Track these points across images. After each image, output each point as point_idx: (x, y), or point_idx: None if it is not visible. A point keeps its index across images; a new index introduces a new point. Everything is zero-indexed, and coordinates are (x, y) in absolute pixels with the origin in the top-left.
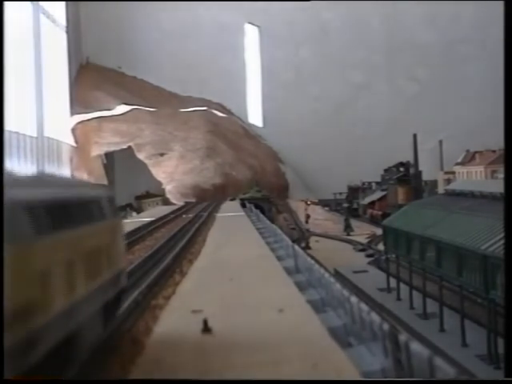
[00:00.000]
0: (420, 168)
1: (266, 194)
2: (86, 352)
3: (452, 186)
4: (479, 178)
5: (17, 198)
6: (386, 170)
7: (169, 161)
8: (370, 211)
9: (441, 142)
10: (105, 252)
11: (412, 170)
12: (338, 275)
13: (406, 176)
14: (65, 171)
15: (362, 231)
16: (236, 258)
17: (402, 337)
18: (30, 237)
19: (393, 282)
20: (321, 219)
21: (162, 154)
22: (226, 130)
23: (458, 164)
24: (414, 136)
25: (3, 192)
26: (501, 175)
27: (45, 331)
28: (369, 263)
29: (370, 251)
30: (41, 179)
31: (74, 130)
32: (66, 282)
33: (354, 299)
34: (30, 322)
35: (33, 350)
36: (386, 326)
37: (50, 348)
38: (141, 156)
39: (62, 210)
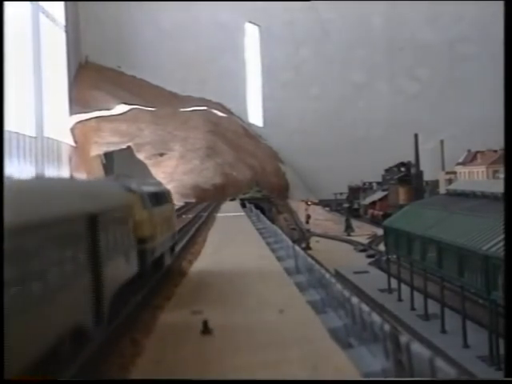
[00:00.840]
0: (421, 168)
1: (266, 194)
2: (166, 264)
3: (453, 186)
4: (481, 178)
5: (145, 191)
6: (386, 170)
7: (168, 161)
8: (370, 211)
9: (442, 141)
10: (169, 220)
11: (413, 170)
12: (338, 276)
13: (407, 176)
14: (64, 171)
15: (363, 231)
16: (236, 259)
17: (403, 338)
18: (151, 207)
19: (394, 283)
20: (321, 219)
21: (161, 154)
22: (225, 130)
23: (459, 164)
24: (415, 136)
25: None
26: (502, 175)
27: (156, 247)
28: (369, 264)
29: (371, 252)
30: (148, 182)
31: (73, 130)
32: (160, 230)
33: (354, 300)
34: (152, 242)
35: (153, 253)
36: (386, 327)
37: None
38: (140, 156)
39: (156, 197)
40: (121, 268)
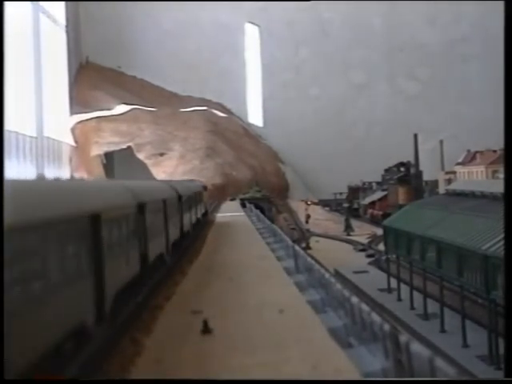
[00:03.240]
0: (421, 168)
1: (266, 193)
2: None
3: (453, 186)
4: (480, 178)
5: (200, 184)
6: (386, 170)
7: (169, 161)
8: (370, 211)
9: (441, 141)
10: (206, 197)
11: (413, 170)
12: (338, 275)
13: (406, 176)
14: (64, 171)
15: (363, 231)
16: (236, 258)
17: (403, 337)
18: (204, 190)
19: (393, 283)
20: (321, 219)
21: (161, 154)
22: (225, 130)
23: (458, 164)
24: (415, 136)
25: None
26: (502, 175)
27: (206, 206)
28: (369, 263)
29: (371, 251)
30: (200, 181)
31: (73, 130)
32: (207, 200)
33: (354, 300)
34: (206, 203)
35: (207, 208)
36: (386, 327)
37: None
38: (141, 156)
39: (203, 187)
40: (203, 208)
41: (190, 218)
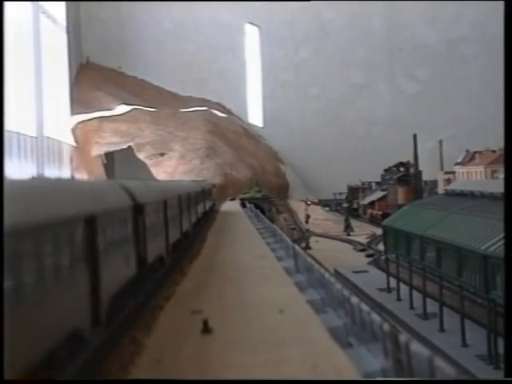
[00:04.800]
0: (420, 168)
1: (266, 193)
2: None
3: (452, 186)
4: (479, 178)
5: (210, 183)
6: (386, 170)
7: (169, 161)
8: (369, 211)
9: (441, 141)
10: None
11: (412, 170)
12: (338, 275)
13: (406, 176)
14: (65, 171)
15: (362, 231)
16: (236, 258)
17: (403, 337)
18: (213, 187)
19: (393, 283)
20: (321, 219)
21: (161, 154)
22: (225, 130)
23: (457, 164)
24: (414, 136)
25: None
26: (501, 175)
27: (215, 201)
28: (369, 263)
29: (370, 251)
30: (208, 180)
31: (74, 130)
32: (216, 196)
33: (354, 299)
34: (214, 199)
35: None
36: (386, 327)
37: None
38: (141, 156)
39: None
40: (210, 203)
41: (209, 203)
